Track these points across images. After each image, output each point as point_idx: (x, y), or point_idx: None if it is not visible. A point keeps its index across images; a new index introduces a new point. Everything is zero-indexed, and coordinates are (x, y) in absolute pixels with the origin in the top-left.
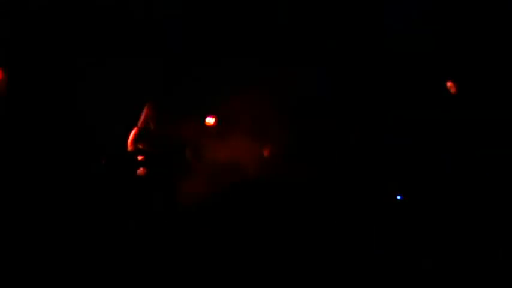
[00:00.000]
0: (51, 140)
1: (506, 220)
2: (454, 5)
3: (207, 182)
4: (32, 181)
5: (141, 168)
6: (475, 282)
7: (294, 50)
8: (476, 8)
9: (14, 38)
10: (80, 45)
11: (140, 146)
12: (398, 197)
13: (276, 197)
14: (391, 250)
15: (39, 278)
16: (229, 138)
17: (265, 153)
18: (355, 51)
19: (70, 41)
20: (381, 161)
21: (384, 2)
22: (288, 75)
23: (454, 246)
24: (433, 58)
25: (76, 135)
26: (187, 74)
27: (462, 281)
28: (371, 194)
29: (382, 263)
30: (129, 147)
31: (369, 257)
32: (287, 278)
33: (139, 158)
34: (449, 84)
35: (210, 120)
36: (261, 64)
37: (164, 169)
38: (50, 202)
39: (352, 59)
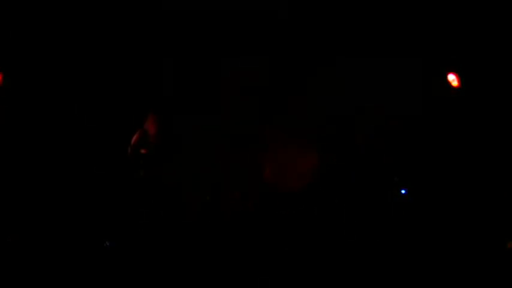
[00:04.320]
0: (52, 143)
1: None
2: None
3: (210, 184)
4: (33, 184)
5: (142, 172)
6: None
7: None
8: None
9: (14, 40)
10: (83, 49)
11: (142, 151)
12: (403, 191)
13: (278, 194)
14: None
15: (40, 279)
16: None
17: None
18: None
19: (72, 43)
20: (386, 156)
21: None
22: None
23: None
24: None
25: (77, 139)
26: (193, 76)
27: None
28: (375, 188)
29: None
30: (130, 152)
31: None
32: (287, 278)
33: (141, 162)
34: (451, 77)
35: None
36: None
37: (165, 173)
38: (51, 205)
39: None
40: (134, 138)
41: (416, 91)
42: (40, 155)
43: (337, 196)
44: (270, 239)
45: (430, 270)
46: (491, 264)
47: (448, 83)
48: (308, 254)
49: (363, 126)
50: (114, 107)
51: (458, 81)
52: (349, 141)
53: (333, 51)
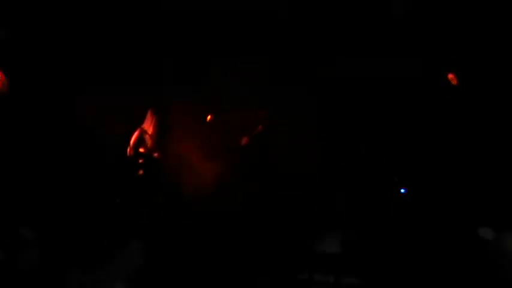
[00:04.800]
0: (52, 143)
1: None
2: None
3: (206, 182)
4: (33, 184)
5: (141, 171)
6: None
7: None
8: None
9: (16, 41)
10: (83, 49)
11: (141, 150)
12: (403, 190)
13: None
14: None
15: (40, 278)
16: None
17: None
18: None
19: (73, 43)
20: (386, 156)
21: None
22: None
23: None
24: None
25: (78, 138)
26: (192, 76)
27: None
28: (375, 188)
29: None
30: (130, 151)
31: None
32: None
33: (140, 161)
34: (450, 76)
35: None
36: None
37: (164, 171)
38: (51, 205)
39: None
40: (133, 137)
41: (416, 91)
42: (40, 155)
43: (337, 196)
44: (269, 239)
45: (429, 269)
46: (490, 263)
47: (448, 83)
48: (308, 253)
49: (363, 127)
50: (113, 107)
51: (456, 81)
52: (349, 141)
53: (333, 51)
